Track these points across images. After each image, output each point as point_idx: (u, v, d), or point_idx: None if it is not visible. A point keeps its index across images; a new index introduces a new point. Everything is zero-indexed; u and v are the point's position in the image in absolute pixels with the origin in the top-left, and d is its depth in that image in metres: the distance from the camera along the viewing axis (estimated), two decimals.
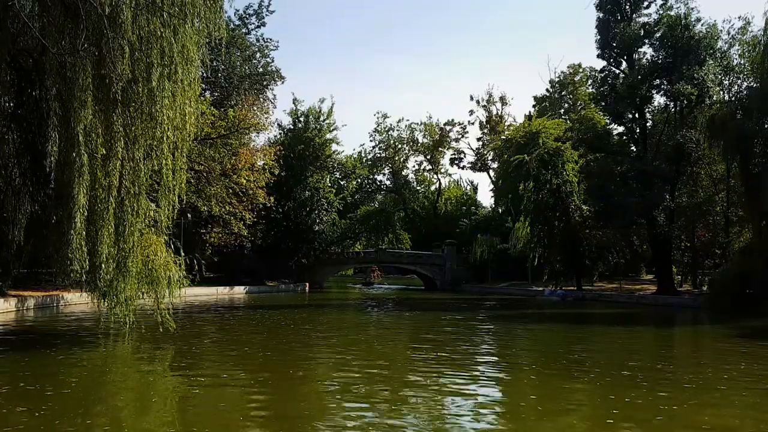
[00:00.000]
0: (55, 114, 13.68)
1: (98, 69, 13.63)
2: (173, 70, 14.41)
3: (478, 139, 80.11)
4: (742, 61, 40.56)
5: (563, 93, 73.59)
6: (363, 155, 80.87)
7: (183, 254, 17.66)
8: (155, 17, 13.96)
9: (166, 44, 14.10)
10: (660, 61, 42.67)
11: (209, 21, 15.51)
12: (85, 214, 13.64)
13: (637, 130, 45.72)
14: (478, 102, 78.22)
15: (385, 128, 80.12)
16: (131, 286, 15.39)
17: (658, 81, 43.50)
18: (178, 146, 15.64)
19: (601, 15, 45.34)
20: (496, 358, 17.10)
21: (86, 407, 10.07)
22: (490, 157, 76.87)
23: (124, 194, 14.29)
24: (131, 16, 13.45)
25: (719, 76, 40.87)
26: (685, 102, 42.79)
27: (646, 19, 44.35)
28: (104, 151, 13.84)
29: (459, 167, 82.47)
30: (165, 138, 14.71)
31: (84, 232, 13.55)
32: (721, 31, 42.19)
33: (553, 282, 49.71)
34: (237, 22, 52.25)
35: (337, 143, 65.52)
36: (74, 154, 13.35)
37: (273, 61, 53.54)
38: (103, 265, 14.10)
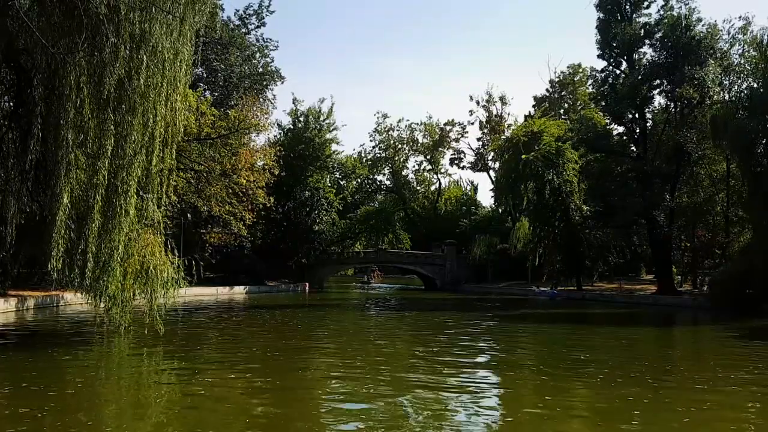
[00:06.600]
0: (41, 113, 13.68)
1: (91, 66, 13.60)
2: (166, 67, 14.39)
3: (478, 139, 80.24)
4: (742, 61, 40.53)
5: (563, 93, 73.66)
6: (363, 155, 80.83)
7: (179, 254, 17.59)
8: (148, 13, 13.94)
9: (158, 41, 14.07)
10: (660, 62, 42.68)
11: (198, 14, 15.43)
12: (70, 212, 13.57)
13: (637, 131, 45.72)
14: (477, 102, 78.26)
15: (385, 128, 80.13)
16: (125, 285, 15.30)
17: (658, 81, 43.52)
18: (169, 143, 15.64)
19: (601, 15, 45.39)
20: (499, 359, 17.07)
21: (89, 408, 10.05)
22: (490, 157, 76.84)
23: (113, 192, 14.19)
24: (126, 14, 13.45)
25: (719, 76, 40.85)
26: (686, 102, 42.82)
27: (646, 20, 44.42)
28: (95, 149, 13.78)
29: (459, 167, 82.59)
30: (157, 135, 14.68)
31: (63, 230, 13.45)
32: (722, 30, 42.22)
33: (552, 282, 49.74)
34: (237, 22, 52.35)
35: (337, 143, 65.58)
36: (61, 153, 13.31)
37: (273, 61, 53.62)
38: (88, 264, 14.01)
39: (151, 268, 15.79)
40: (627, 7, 44.68)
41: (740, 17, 44.67)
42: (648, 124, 46.33)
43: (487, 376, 13.87)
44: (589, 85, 56.01)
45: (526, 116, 68.86)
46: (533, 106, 73.54)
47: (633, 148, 46.77)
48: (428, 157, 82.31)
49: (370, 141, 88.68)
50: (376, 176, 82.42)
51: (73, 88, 13.33)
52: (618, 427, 9.49)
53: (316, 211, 59.65)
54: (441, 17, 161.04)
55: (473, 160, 80.00)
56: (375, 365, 14.85)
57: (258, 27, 53.21)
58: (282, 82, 54.14)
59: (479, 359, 16.71)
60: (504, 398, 11.86)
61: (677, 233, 45.14)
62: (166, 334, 16.78)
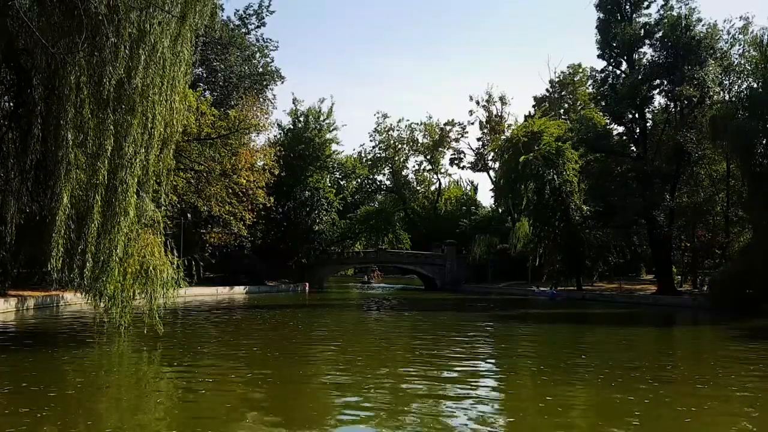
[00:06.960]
0: (41, 113, 13.67)
1: (91, 66, 13.60)
2: (166, 67, 14.40)
3: (478, 139, 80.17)
4: (742, 61, 40.54)
5: (563, 93, 73.66)
6: (363, 155, 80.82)
7: (179, 254, 17.57)
8: (147, 13, 13.94)
9: (158, 41, 14.07)
10: (660, 62, 42.69)
11: (198, 14, 15.41)
12: (70, 212, 13.56)
13: (637, 131, 45.72)
14: (477, 102, 78.19)
15: (385, 128, 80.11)
16: (125, 285, 15.29)
17: (658, 81, 43.53)
18: (167, 143, 15.64)
19: (601, 15, 45.40)
20: (499, 359, 17.07)
21: (89, 408, 10.05)
22: (490, 157, 76.81)
23: (112, 192, 14.17)
24: (125, 14, 13.45)
25: (719, 76, 40.86)
26: (686, 102, 42.83)
27: (646, 20, 44.44)
28: (95, 149, 13.77)
29: (459, 167, 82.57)
30: (156, 134, 14.67)
31: (63, 230, 13.44)
32: (722, 30, 42.23)
33: (552, 282, 49.74)
34: (237, 22, 52.35)
35: (337, 143, 65.60)
36: (61, 153, 13.31)
37: (273, 61, 53.57)
38: (87, 264, 13.98)
39: (150, 268, 15.77)
40: (627, 7, 44.68)
41: (740, 17, 44.81)
42: (648, 124, 46.33)
43: (486, 376, 13.86)
44: (589, 85, 56.00)
45: (526, 116, 68.90)
46: (533, 106, 73.57)
47: (633, 148, 46.77)
48: (428, 157, 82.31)
49: (370, 141, 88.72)
50: (376, 176, 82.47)
51: (73, 88, 13.33)
52: (618, 427, 9.49)
53: (316, 211, 59.66)
54: (441, 17, 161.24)
55: (473, 160, 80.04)
56: (375, 365, 14.85)
57: (258, 27, 53.30)
58: (282, 82, 54.25)
59: (479, 359, 16.69)
60: (504, 398, 11.86)
61: (677, 233, 45.15)
62: (165, 334, 16.77)
